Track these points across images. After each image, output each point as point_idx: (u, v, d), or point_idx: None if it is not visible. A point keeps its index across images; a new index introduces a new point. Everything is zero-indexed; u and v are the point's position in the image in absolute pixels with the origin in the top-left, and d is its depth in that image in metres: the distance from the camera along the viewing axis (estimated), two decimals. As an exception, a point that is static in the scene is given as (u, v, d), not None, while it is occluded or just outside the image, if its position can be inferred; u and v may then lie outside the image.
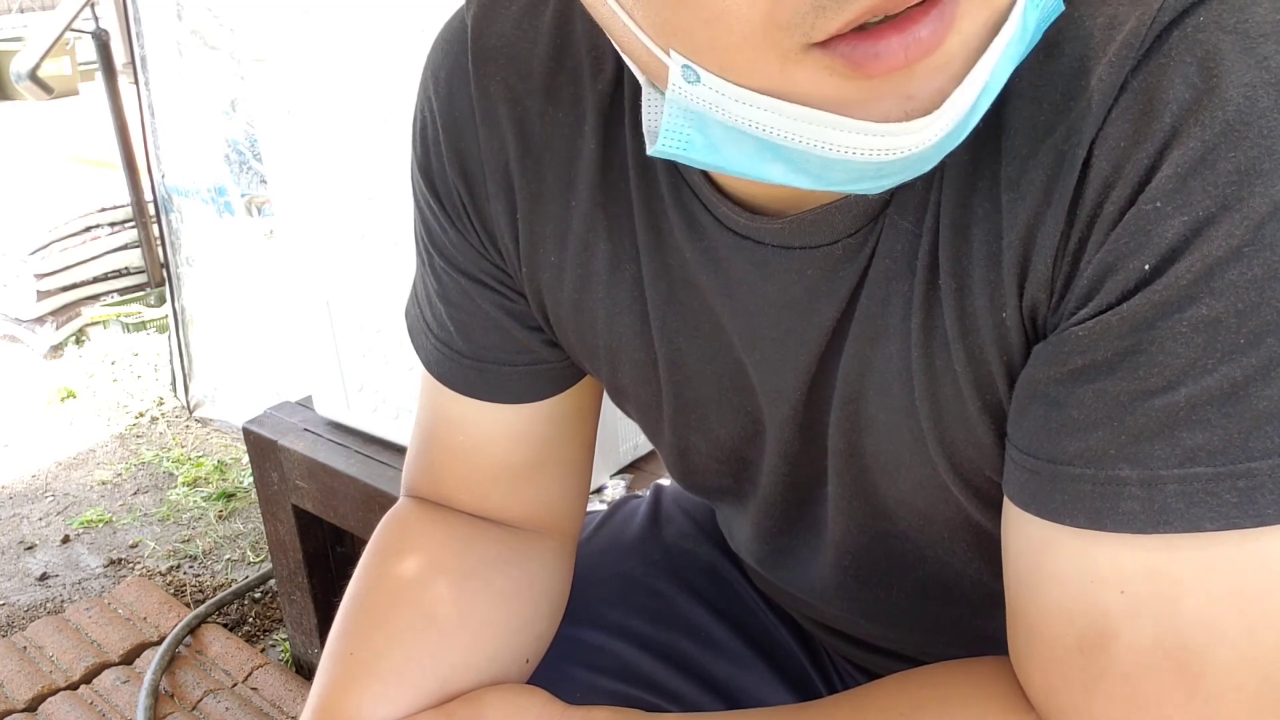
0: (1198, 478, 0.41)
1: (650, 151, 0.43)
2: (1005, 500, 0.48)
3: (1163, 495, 0.41)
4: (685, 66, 0.38)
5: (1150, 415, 0.41)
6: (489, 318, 0.63)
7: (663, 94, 0.42)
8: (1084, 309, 0.42)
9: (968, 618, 0.63)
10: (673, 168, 0.53)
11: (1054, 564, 0.45)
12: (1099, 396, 0.42)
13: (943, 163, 0.45)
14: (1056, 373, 0.44)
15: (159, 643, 1.74)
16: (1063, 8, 0.39)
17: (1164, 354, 0.40)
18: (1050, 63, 0.42)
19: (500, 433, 0.66)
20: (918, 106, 0.37)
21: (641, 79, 0.43)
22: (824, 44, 0.35)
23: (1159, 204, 0.39)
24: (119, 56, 2.75)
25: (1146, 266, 0.40)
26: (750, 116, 0.38)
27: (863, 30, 0.35)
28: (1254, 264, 0.38)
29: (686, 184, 0.53)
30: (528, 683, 0.65)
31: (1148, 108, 0.40)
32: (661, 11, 0.37)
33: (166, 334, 2.72)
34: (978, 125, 0.41)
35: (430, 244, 0.63)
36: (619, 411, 0.67)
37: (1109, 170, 0.41)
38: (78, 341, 3.01)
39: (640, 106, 0.53)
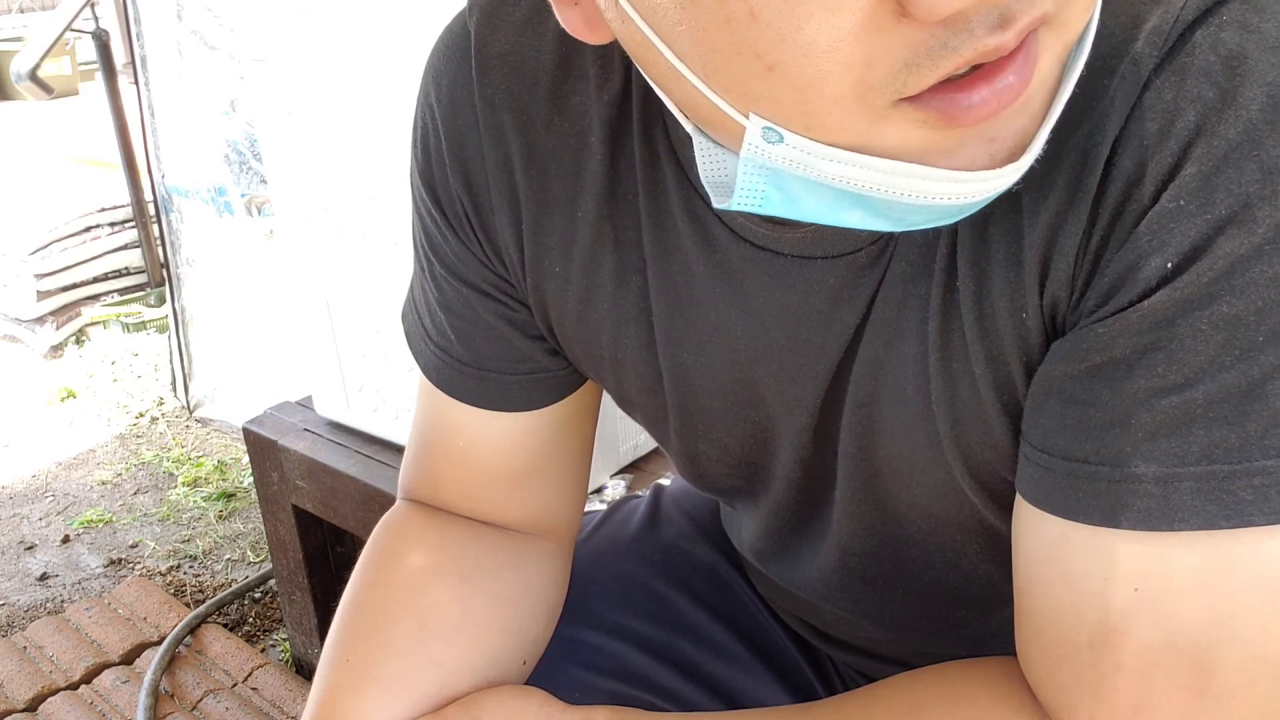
0: (1214, 475, 0.41)
1: (720, 206, 0.42)
2: (1017, 498, 0.48)
3: (1178, 492, 0.41)
4: (767, 129, 0.37)
5: (1168, 412, 0.41)
6: (490, 327, 0.62)
7: (717, 144, 0.42)
8: (1104, 306, 0.42)
9: (974, 618, 0.63)
10: (684, 180, 0.53)
11: (1066, 561, 0.45)
12: (1117, 393, 0.42)
13: None
14: (1074, 369, 0.44)
15: (159, 643, 1.74)
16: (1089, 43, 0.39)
17: (1183, 351, 0.40)
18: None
19: (499, 439, 0.66)
20: (1001, 149, 0.37)
21: (690, 127, 0.43)
22: (914, 98, 0.35)
23: (1182, 202, 0.40)
24: (119, 56, 2.75)
25: (1169, 264, 0.40)
26: (836, 172, 0.37)
27: (952, 81, 0.34)
28: (1275, 262, 0.39)
29: (700, 196, 0.52)
30: (526, 683, 0.65)
31: (1171, 106, 0.40)
32: (745, 80, 0.36)
33: (166, 334, 2.72)
34: None
35: (431, 252, 0.62)
36: (619, 411, 0.67)
37: (1132, 168, 0.41)
38: (78, 341, 3.01)
39: (650, 118, 0.53)
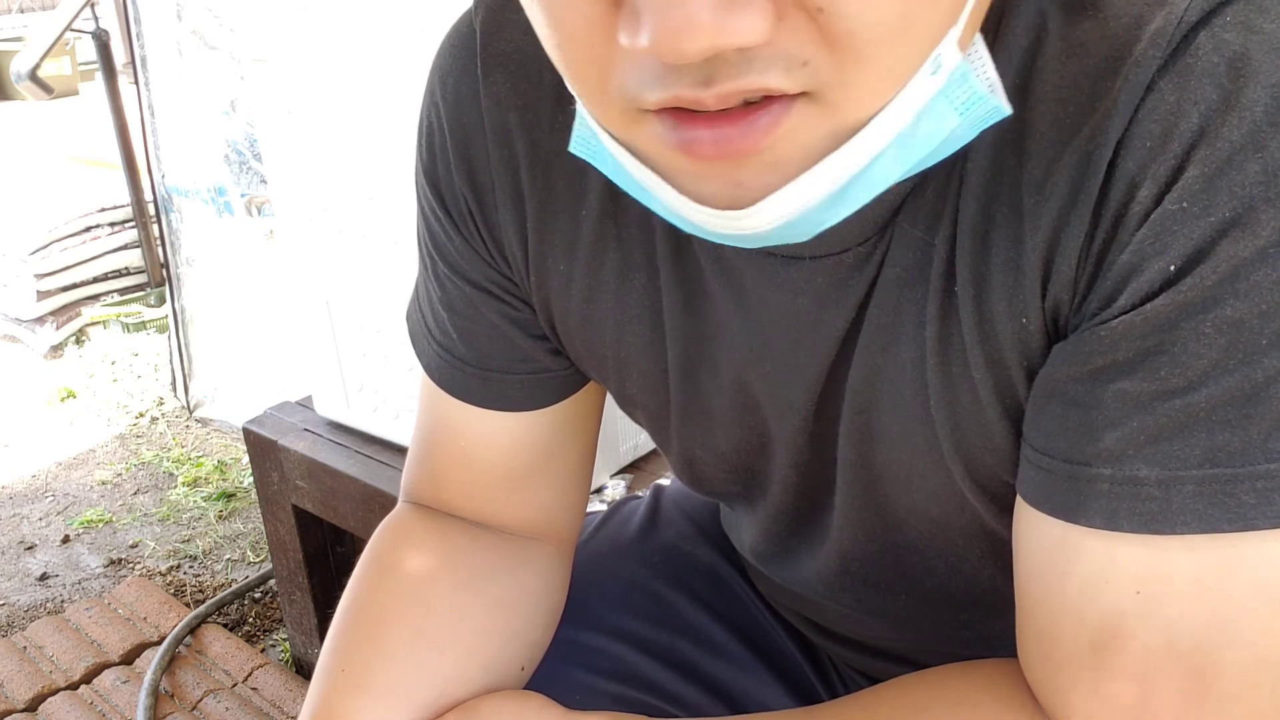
0: (1216, 479, 0.41)
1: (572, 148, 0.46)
2: (1018, 500, 0.48)
3: (1180, 496, 0.41)
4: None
5: (1170, 415, 0.41)
6: (493, 326, 0.62)
7: None
8: (1107, 309, 0.42)
9: (977, 620, 0.63)
10: None
11: (1067, 564, 0.45)
12: (1119, 396, 0.42)
13: (961, 172, 0.45)
14: (1077, 372, 0.44)
15: (159, 643, 1.74)
16: (1005, 112, 0.40)
17: (1186, 354, 0.40)
18: (1075, 64, 0.42)
19: (502, 439, 0.65)
20: (746, 195, 0.39)
21: None
22: (657, 112, 0.37)
23: (1185, 205, 0.39)
24: (119, 56, 2.75)
25: (1171, 267, 0.40)
26: (620, 156, 0.41)
27: (686, 111, 0.37)
28: (1279, 265, 0.38)
29: None
30: (526, 688, 0.65)
31: (1174, 108, 0.40)
32: (550, 51, 0.39)
33: (166, 334, 2.72)
34: (1000, 131, 0.43)
35: (435, 251, 0.62)
36: (619, 411, 0.67)
37: (1135, 170, 0.41)
38: (78, 341, 3.01)
39: None
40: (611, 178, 0.44)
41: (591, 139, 0.44)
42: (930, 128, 0.39)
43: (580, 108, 0.42)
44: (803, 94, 0.36)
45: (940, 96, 0.38)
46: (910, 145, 0.39)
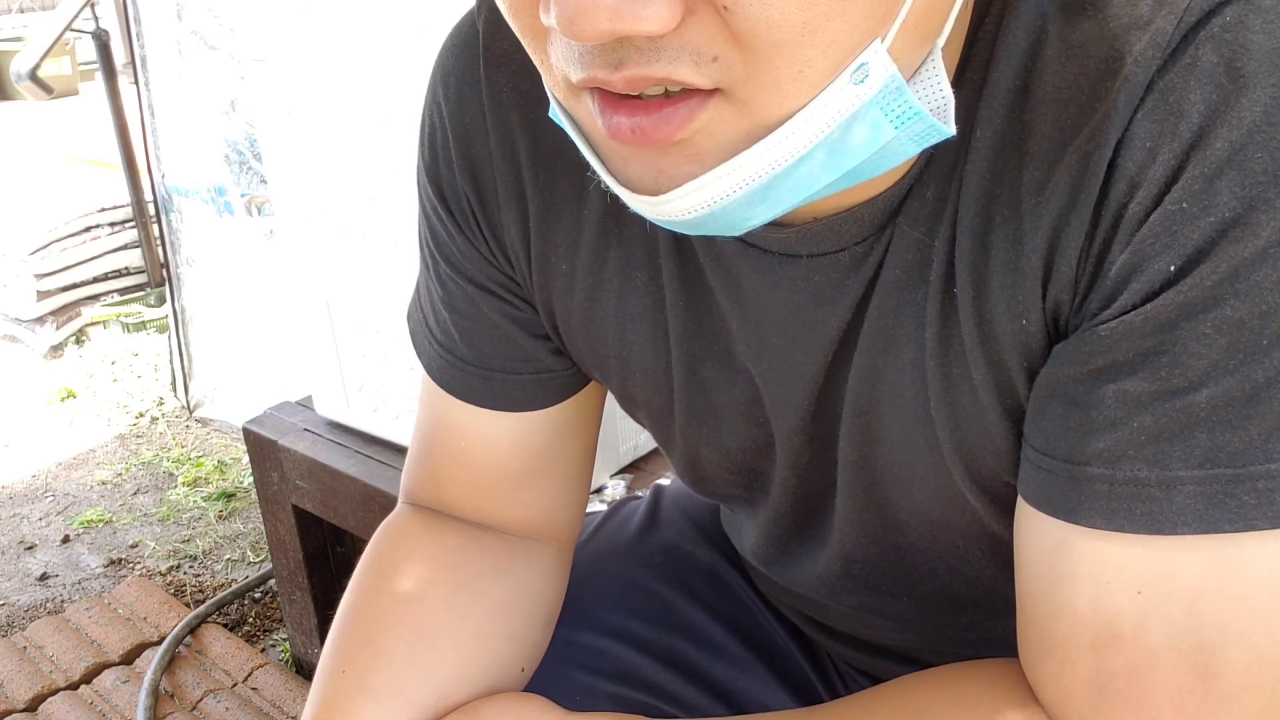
0: (1216, 479, 0.41)
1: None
2: (1019, 501, 0.48)
3: (1181, 496, 0.41)
4: None
5: (1170, 416, 0.41)
6: (495, 326, 0.62)
7: None
8: (1107, 309, 0.42)
9: (979, 622, 0.63)
10: None
11: (1068, 564, 0.45)
12: (1119, 396, 0.42)
13: (961, 173, 0.45)
14: (1077, 372, 0.44)
15: (159, 643, 1.74)
16: (947, 133, 0.40)
17: (1186, 354, 0.40)
18: (1075, 64, 0.42)
19: (503, 440, 0.65)
20: (667, 181, 0.40)
21: None
22: (589, 90, 0.39)
23: (1185, 205, 0.39)
24: (119, 56, 2.75)
25: (1172, 267, 0.40)
26: (568, 127, 0.43)
27: (608, 95, 0.38)
28: (1279, 266, 0.38)
29: None
30: (526, 689, 0.65)
31: (1175, 109, 0.40)
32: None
33: (166, 334, 2.72)
34: (1000, 133, 0.43)
35: (436, 250, 0.62)
36: (620, 411, 0.67)
37: (1135, 171, 0.41)
38: (78, 341, 3.01)
39: None
40: (578, 146, 0.45)
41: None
42: (863, 137, 0.39)
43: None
44: (718, 90, 0.37)
45: (872, 105, 0.38)
46: (841, 152, 0.39)
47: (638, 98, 0.38)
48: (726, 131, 0.38)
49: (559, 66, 0.39)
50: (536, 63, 0.42)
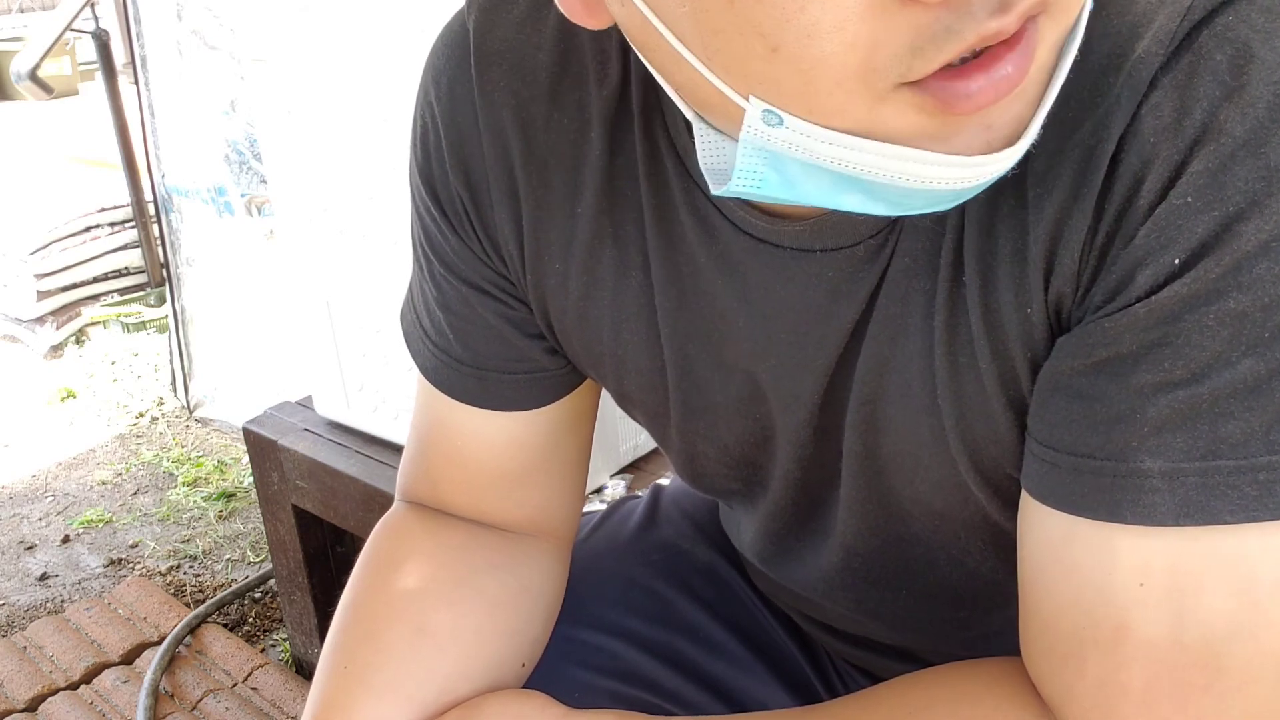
0: (1219, 470, 0.41)
1: (717, 191, 0.43)
2: (1022, 493, 0.48)
3: (1184, 487, 0.41)
4: (767, 111, 0.37)
5: (1173, 407, 0.41)
6: (489, 325, 0.62)
7: (719, 132, 0.42)
8: (1111, 302, 0.43)
9: (976, 617, 0.63)
10: (685, 173, 0.53)
11: (1072, 557, 0.45)
12: (1122, 388, 0.42)
13: None
14: (1080, 365, 0.44)
15: (159, 643, 1.74)
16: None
17: (1189, 346, 0.41)
18: (1079, 60, 0.42)
19: (498, 439, 0.66)
20: (998, 136, 0.37)
21: (690, 114, 0.43)
22: (916, 83, 0.35)
23: (1189, 199, 0.40)
24: (119, 56, 2.75)
25: (1176, 261, 0.40)
26: (835, 155, 0.38)
27: (951, 69, 0.35)
28: None
29: (700, 189, 0.53)
30: (525, 685, 0.65)
31: (1179, 104, 0.40)
32: (747, 62, 0.36)
33: (166, 334, 2.72)
34: None
35: (430, 250, 0.62)
36: (619, 411, 0.67)
37: (1139, 165, 0.41)
38: (78, 341, 3.01)
39: (649, 112, 0.53)
40: (781, 199, 0.42)
41: (758, 166, 0.40)
42: (1078, 30, 0.38)
43: (746, 137, 0.39)
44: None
45: None
46: (1070, 51, 0.38)
47: (975, 57, 0.35)
48: (1046, 51, 0.36)
49: (896, 66, 0.34)
50: (810, 94, 0.36)
